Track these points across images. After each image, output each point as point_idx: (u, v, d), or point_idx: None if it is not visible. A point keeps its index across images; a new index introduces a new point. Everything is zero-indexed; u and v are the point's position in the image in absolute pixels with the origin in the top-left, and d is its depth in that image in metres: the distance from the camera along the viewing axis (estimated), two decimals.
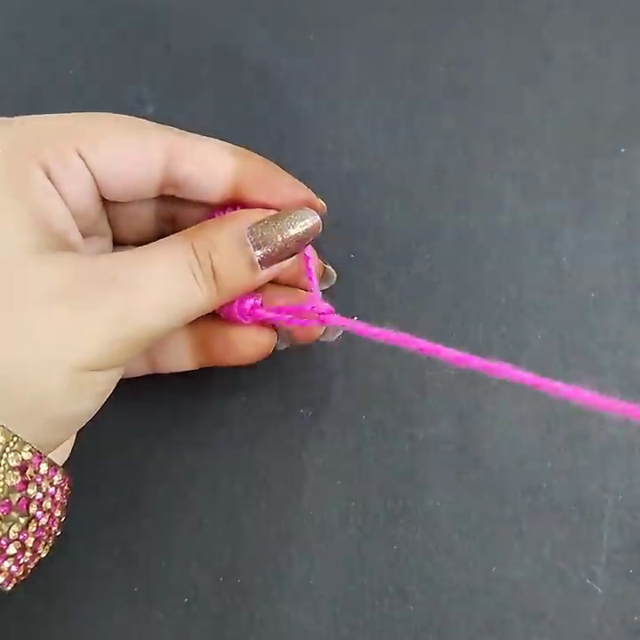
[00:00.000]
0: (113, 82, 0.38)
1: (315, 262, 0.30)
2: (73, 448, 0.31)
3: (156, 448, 0.33)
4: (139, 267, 0.26)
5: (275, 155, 0.37)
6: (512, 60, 0.38)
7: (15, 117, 0.28)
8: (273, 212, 0.28)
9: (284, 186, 0.29)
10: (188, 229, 0.28)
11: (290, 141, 0.37)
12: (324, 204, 0.30)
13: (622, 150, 0.37)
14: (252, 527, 0.32)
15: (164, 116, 0.37)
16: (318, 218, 0.29)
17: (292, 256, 0.28)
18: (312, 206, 0.29)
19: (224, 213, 0.29)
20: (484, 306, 0.34)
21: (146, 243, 0.28)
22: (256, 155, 0.29)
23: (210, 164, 0.28)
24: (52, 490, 0.26)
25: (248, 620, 0.31)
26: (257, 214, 0.28)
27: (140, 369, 0.31)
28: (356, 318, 0.29)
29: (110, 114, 0.29)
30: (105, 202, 0.29)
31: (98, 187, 0.28)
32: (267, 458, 0.33)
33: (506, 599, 0.31)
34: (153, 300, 0.26)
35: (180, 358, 0.31)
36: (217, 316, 0.30)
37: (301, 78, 0.38)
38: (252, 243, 0.27)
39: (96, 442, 0.33)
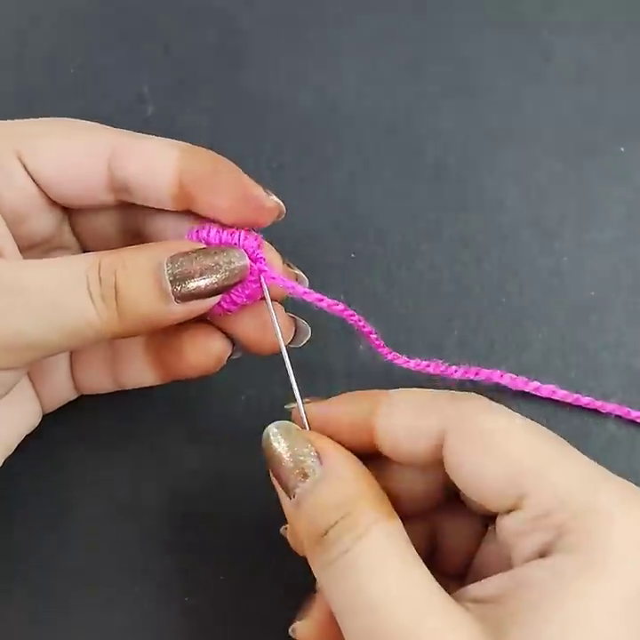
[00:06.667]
0: (113, 82, 0.38)
1: (283, 317, 0.29)
2: (72, 447, 0.31)
3: (157, 448, 0.33)
4: (30, 272, 0.25)
5: (275, 155, 0.37)
6: (512, 60, 0.38)
7: None
8: (201, 246, 0.27)
9: (227, 182, 0.27)
10: (109, 250, 0.26)
11: (290, 141, 0.37)
12: (279, 202, 0.28)
13: (622, 150, 0.37)
14: (252, 527, 0.32)
15: (163, 116, 0.38)
16: (246, 261, 0.27)
17: (213, 295, 0.26)
18: (257, 204, 0.27)
19: (195, 236, 0.27)
20: (485, 306, 0.34)
21: None
22: (204, 150, 0.28)
23: (153, 162, 0.27)
24: None
25: (248, 620, 0.31)
26: (183, 245, 0.26)
27: (103, 385, 0.31)
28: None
29: (55, 118, 0.28)
30: (66, 213, 0.29)
31: (44, 191, 0.27)
32: None
33: None
34: (33, 307, 0.24)
35: (140, 373, 0.30)
36: (169, 328, 0.28)
37: (301, 78, 0.38)
38: (168, 272, 0.25)
39: (96, 441, 0.33)
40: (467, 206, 0.36)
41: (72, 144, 0.27)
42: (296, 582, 0.31)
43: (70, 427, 0.32)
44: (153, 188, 0.27)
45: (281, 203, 0.28)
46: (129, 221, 0.29)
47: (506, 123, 0.37)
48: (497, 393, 0.32)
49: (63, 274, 0.25)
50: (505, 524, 0.23)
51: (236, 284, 0.27)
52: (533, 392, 0.32)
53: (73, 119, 0.28)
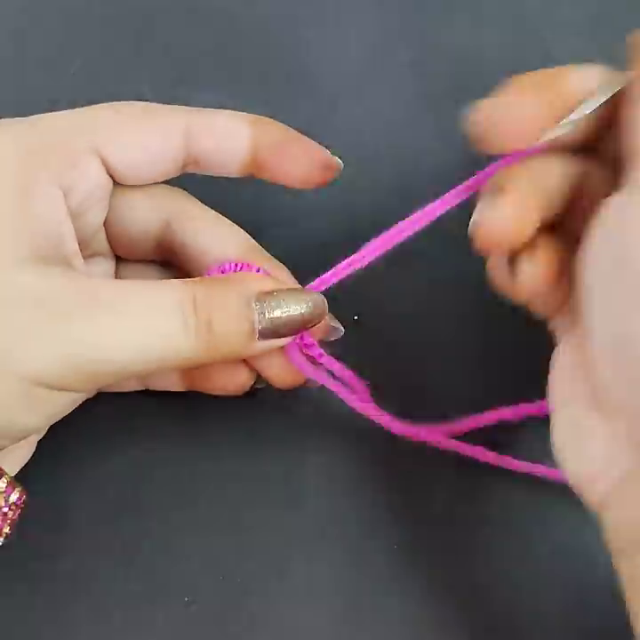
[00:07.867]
0: (113, 82, 0.38)
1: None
2: (72, 447, 0.31)
3: (157, 447, 0.33)
4: (127, 295, 0.25)
5: None
6: (512, 60, 0.38)
7: (29, 117, 0.28)
8: (283, 285, 0.27)
9: (299, 152, 0.28)
10: (192, 279, 0.26)
11: None
12: (340, 162, 0.29)
13: None
14: (252, 527, 0.32)
15: None
16: (326, 306, 0.28)
17: (291, 335, 0.27)
18: (329, 168, 0.29)
19: (221, 270, 0.28)
20: (485, 305, 0.34)
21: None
22: (274, 122, 0.29)
23: (227, 137, 0.28)
24: (5, 508, 0.25)
25: (248, 620, 0.31)
26: (267, 282, 0.27)
27: (130, 385, 0.31)
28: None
29: (124, 103, 0.28)
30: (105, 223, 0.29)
31: (114, 176, 0.28)
32: (267, 457, 0.33)
33: (508, 599, 0.31)
34: (127, 334, 0.24)
35: (169, 379, 0.31)
36: None
37: (301, 78, 0.38)
38: (257, 311, 0.26)
39: (96, 441, 0.33)
40: (467, 206, 0.36)
41: (149, 132, 0.28)
42: (297, 583, 0.31)
43: (70, 426, 0.32)
44: (226, 161, 0.28)
45: (339, 160, 0.29)
46: (165, 238, 0.30)
47: None
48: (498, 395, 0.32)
49: (160, 301, 0.25)
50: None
51: (312, 326, 0.27)
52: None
53: (138, 102, 0.28)
